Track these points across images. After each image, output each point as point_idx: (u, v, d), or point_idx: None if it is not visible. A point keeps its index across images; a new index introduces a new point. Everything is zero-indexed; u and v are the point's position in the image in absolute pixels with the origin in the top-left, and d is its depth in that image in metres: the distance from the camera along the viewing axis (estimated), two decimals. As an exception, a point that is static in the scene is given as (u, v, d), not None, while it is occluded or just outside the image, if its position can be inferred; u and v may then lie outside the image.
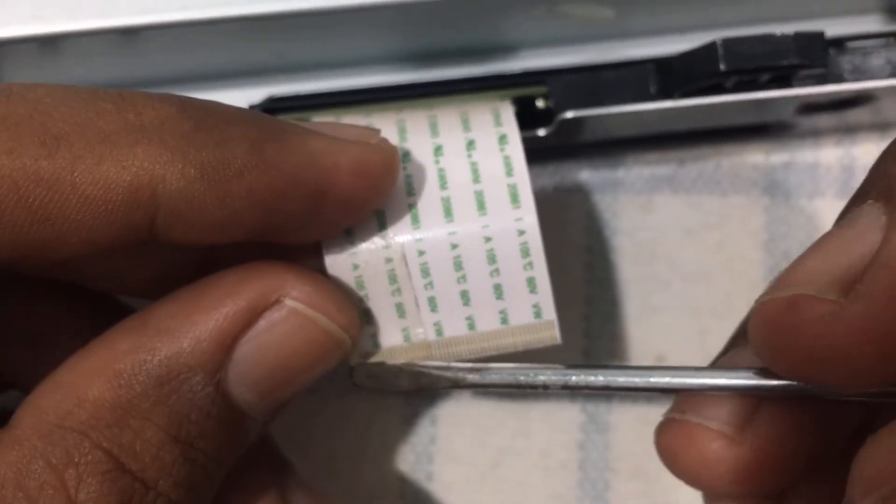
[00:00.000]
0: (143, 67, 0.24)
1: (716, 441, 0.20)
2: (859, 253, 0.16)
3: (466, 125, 0.21)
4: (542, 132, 0.25)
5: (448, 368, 0.20)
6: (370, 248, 0.20)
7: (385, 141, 0.20)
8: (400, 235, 0.20)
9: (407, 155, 0.20)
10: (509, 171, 0.20)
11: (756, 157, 0.29)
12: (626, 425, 0.28)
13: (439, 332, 0.21)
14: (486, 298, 0.20)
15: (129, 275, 0.21)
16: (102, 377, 0.18)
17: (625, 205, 0.29)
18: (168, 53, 0.24)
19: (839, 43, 0.25)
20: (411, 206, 0.20)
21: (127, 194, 0.17)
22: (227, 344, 0.18)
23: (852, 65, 0.25)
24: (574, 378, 0.20)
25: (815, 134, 0.29)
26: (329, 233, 0.20)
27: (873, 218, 0.17)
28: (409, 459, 0.28)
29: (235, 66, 0.25)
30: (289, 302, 0.19)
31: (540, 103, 0.25)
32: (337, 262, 0.20)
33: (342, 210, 0.19)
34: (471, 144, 0.20)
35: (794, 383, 0.18)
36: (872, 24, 0.25)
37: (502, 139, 0.20)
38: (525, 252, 0.20)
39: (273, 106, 0.24)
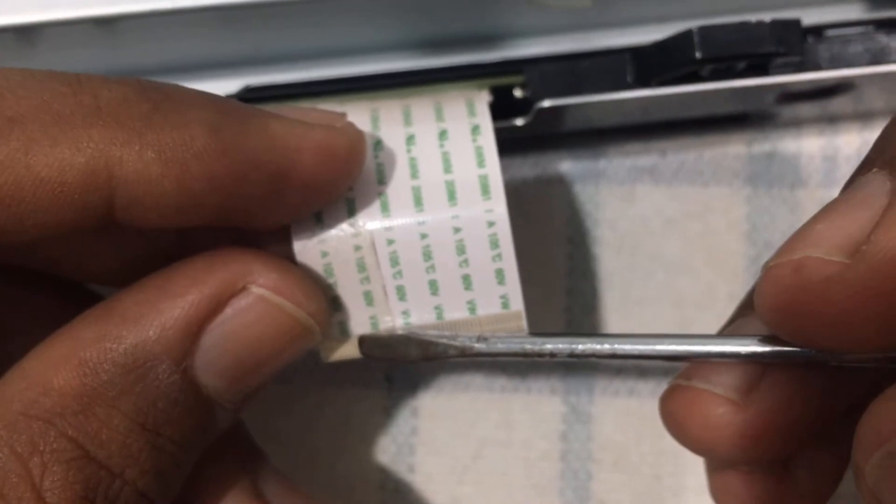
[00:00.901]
0: (120, 58, 0.24)
1: (721, 407, 0.20)
2: (865, 217, 0.17)
3: (440, 115, 0.21)
4: (520, 121, 0.25)
5: (455, 338, 0.20)
6: (339, 236, 0.20)
7: (351, 125, 0.19)
8: (369, 224, 0.20)
9: (379, 143, 0.20)
10: (481, 163, 0.20)
11: (738, 148, 0.29)
12: (608, 416, 0.28)
13: (407, 321, 0.21)
14: (454, 288, 0.20)
15: (94, 261, 0.20)
16: (68, 365, 0.18)
17: (607, 195, 0.29)
18: (145, 43, 0.24)
19: (817, 31, 0.25)
20: (381, 195, 0.20)
21: (83, 176, 0.17)
22: (193, 331, 0.18)
23: (830, 53, 0.25)
24: (581, 346, 0.20)
25: (798, 124, 0.29)
26: (295, 217, 0.20)
27: (879, 184, 0.17)
28: (390, 451, 0.28)
29: (212, 57, 0.25)
30: (255, 289, 0.19)
31: (518, 92, 0.25)
32: (306, 249, 0.20)
33: (307, 194, 0.19)
34: (443, 134, 0.20)
35: (800, 350, 0.18)
36: (852, 12, 0.25)
37: (475, 130, 0.20)
38: (494, 244, 0.20)
39: (249, 96, 0.24)
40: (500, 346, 0.20)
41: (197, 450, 0.19)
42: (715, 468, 0.22)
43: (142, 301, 0.18)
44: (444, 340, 0.20)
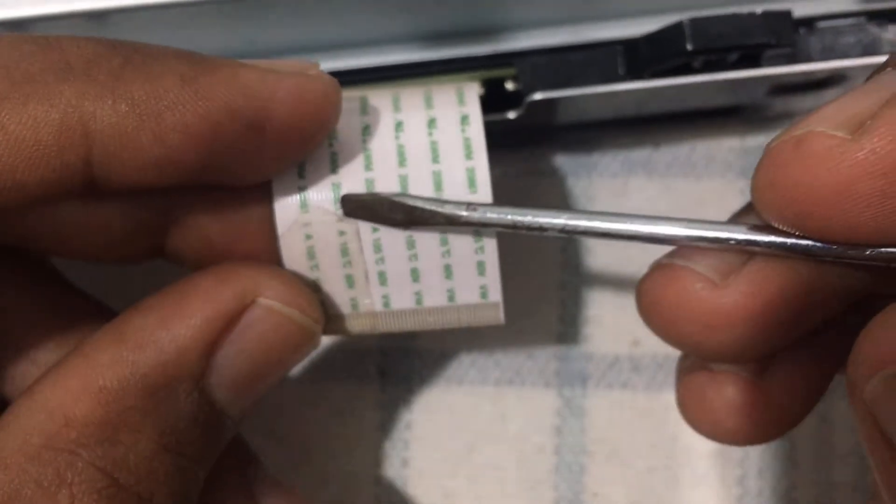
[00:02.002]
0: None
1: (699, 282, 0.19)
2: (873, 100, 0.16)
3: (429, 103, 0.21)
4: (512, 114, 0.25)
5: (443, 204, 0.19)
6: (323, 220, 0.20)
7: (324, 73, 0.19)
8: None
9: (367, 128, 0.20)
10: (469, 154, 0.20)
11: (731, 141, 0.29)
12: (602, 410, 0.28)
13: (387, 304, 0.21)
14: (435, 277, 0.20)
15: (77, 234, 0.20)
16: (87, 394, 0.17)
17: (600, 189, 0.29)
18: (138, 38, 0.24)
19: (809, 22, 0.25)
20: (368, 182, 0.20)
21: (57, 133, 0.17)
22: (210, 350, 0.18)
23: (822, 44, 0.25)
24: (573, 222, 0.19)
25: (791, 117, 0.29)
26: (274, 169, 0.20)
27: (891, 78, 0.17)
28: (384, 445, 0.28)
29: (205, 51, 0.24)
30: (263, 301, 0.19)
31: (509, 85, 0.25)
32: (290, 232, 0.20)
33: (283, 143, 0.19)
34: (432, 123, 0.20)
35: (791, 240, 0.18)
36: (844, 3, 0.25)
37: (464, 120, 0.20)
38: (477, 236, 0.20)
39: (241, 90, 0.24)
40: (490, 216, 0.19)
41: (211, 464, 0.19)
42: (685, 369, 0.21)
43: (154, 323, 0.18)
44: (431, 206, 0.19)
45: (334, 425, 0.28)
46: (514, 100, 0.25)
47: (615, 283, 0.29)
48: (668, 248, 0.20)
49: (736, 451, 0.28)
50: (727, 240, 0.19)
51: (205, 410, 0.19)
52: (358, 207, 0.20)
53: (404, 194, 0.20)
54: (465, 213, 0.19)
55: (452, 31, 0.25)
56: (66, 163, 0.17)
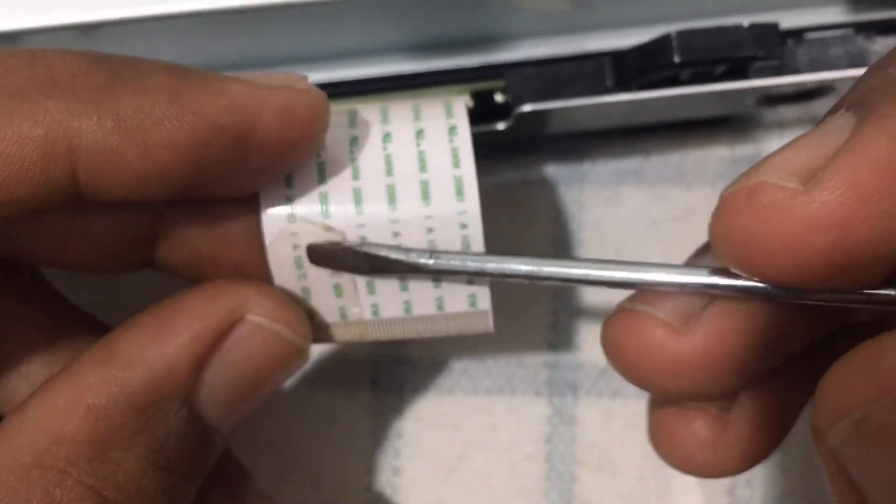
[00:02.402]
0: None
1: (659, 329, 0.19)
2: (825, 148, 0.16)
3: (417, 115, 0.21)
4: (501, 126, 0.25)
5: (407, 252, 0.20)
6: (311, 231, 0.20)
7: (312, 86, 0.19)
8: (342, 219, 0.20)
9: (355, 140, 0.20)
10: (456, 163, 0.20)
11: (721, 150, 0.29)
12: (592, 418, 0.28)
13: (375, 313, 0.21)
14: (424, 287, 0.20)
15: (66, 246, 0.20)
16: (76, 412, 0.17)
17: (591, 198, 0.29)
18: (130, 51, 0.24)
19: (797, 34, 0.25)
20: (355, 191, 0.20)
21: (42, 149, 0.17)
22: (199, 366, 0.19)
23: (810, 56, 0.25)
24: (537, 268, 0.20)
25: (781, 126, 0.29)
26: (262, 183, 0.20)
27: (843, 121, 0.17)
28: (375, 454, 0.28)
29: (197, 63, 0.24)
30: (252, 318, 0.19)
31: (499, 97, 0.25)
32: (277, 242, 0.20)
33: (271, 157, 0.19)
34: (420, 133, 0.20)
35: (750, 284, 0.18)
36: (831, 15, 0.25)
37: (452, 130, 0.20)
38: (466, 245, 0.20)
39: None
40: (454, 264, 0.20)
41: (200, 480, 0.19)
42: (655, 404, 0.22)
43: (144, 341, 0.18)
44: (395, 255, 0.20)
45: (325, 433, 0.28)
46: (503, 111, 0.25)
47: (607, 293, 0.29)
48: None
49: (726, 460, 0.28)
50: (687, 284, 0.19)
51: (194, 427, 0.19)
52: (323, 257, 0.20)
53: (367, 244, 0.20)
54: (429, 262, 0.20)
55: (442, 42, 0.25)
56: (51, 178, 0.17)
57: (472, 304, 0.21)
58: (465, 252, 0.20)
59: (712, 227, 0.18)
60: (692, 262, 0.21)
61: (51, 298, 0.22)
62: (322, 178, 0.20)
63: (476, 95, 0.25)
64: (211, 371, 0.19)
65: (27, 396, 0.18)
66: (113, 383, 0.18)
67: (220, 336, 0.19)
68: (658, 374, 0.19)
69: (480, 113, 0.24)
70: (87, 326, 0.22)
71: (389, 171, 0.20)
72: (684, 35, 0.23)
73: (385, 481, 0.28)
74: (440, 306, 0.21)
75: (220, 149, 0.18)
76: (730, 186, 0.17)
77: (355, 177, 0.20)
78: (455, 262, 0.20)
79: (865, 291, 0.17)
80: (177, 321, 0.19)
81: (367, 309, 0.21)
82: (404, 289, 0.20)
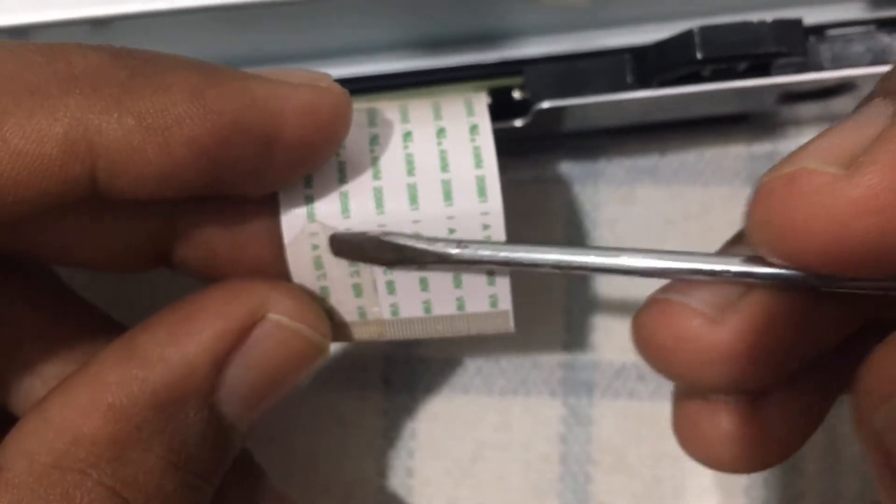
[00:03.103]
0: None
1: (695, 318, 0.19)
2: (865, 134, 0.16)
3: (438, 113, 0.20)
4: (519, 123, 0.24)
5: (433, 242, 0.19)
6: (330, 230, 0.20)
7: (336, 84, 0.19)
8: (362, 219, 0.20)
9: (375, 139, 0.20)
10: (478, 163, 0.20)
11: (738, 148, 0.29)
12: (608, 418, 0.28)
13: (395, 313, 0.20)
14: (444, 286, 0.20)
15: (83, 244, 0.20)
16: (96, 412, 0.17)
17: (606, 196, 0.29)
18: (142, 45, 0.24)
19: (819, 30, 0.24)
20: (376, 190, 0.20)
21: (62, 147, 0.16)
22: (219, 366, 0.18)
23: (832, 52, 0.24)
24: (566, 258, 0.19)
25: (798, 124, 0.28)
26: (283, 182, 0.19)
27: (880, 109, 0.16)
28: (388, 454, 0.28)
29: (209, 58, 0.24)
30: (273, 317, 0.19)
31: (517, 94, 0.24)
32: (296, 241, 0.20)
33: (293, 157, 0.18)
34: (441, 132, 0.20)
35: (787, 272, 0.18)
36: (854, 11, 0.25)
37: (473, 129, 0.20)
38: None
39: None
40: (482, 254, 0.19)
41: (219, 479, 0.19)
42: (681, 395, 0.21)
43: (164, 340, 0.18)
44: (420, 245, 0.19)
45: (338, 434, 0.28)
46: (520, 108, 0.24)
47: (621, 290, 0.28)
48: (664, 281, 0.20)
49: (742, 461, 0.28)
50: (723, 272, 0.19)
51: (214, 426, 0.18)
52: (345, 247, 0.20)
53: (392, 233, 0.19)
54: (455, 251, 0.19)
55: (459, 38, 0.24)
56: (70, 176, 0.17)
57: (493, 304, 0.20)
58: (495, 243, 0.19)
59: (749, 215, 0.17)
60: (726, 252, 0.20)
61: (65, 297, 0.22)
62: (342, 177, 0.20)
63: (494, 92, 0.24)
64: (232, 370, 0.18)
65: (44, 395, 0.18)
66: (133, 382, 0.17)
67: (242, 335, 0.18)
68: (692, 364, 0.19)
69: (498, 110, 0.24)
70: (101, 325, 0.22)
71: (411, 171, 0.20)
72: (707, 31, 0.22)
73: (398, 482, 0.28)
74: (460, 306, 0.20)
75: (242, 148, 0.17)
76: (768, 173, 0.17)
77: (376, 176, 0.20)
78: (483, 252, 0.19)
79: None
80: (198, 320, 0.18)
81: (386, 308, 0.20)
82: (424, 289, 0.20)
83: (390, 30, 0.24)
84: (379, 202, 0.20)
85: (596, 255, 0.19)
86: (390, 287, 0.20)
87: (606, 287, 0.28)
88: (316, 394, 0.28)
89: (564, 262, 0.19)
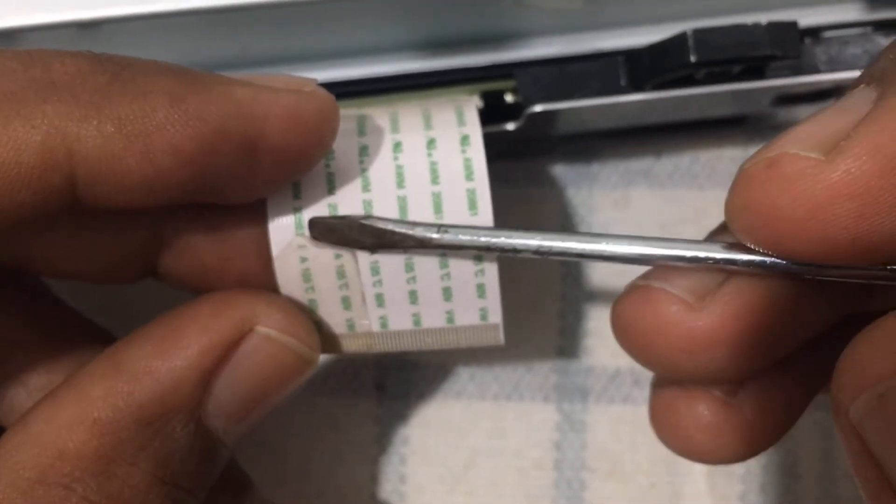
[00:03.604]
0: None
1: (675, 305, 0.18)
2: (847, 120, 0.16)
3: (428, 123, 0.20)
4: (511, 126, 0.24)
5: (414, 227, 0.19)
6: (320, 244, 0.20)
7: (320, 89, 0.18)
8: None
9: (365, 149, 0.20)
10: (469, 175, 0.20)
11: (734, 151, 0.28)
12: (602, 424, 0.28)
13: (384, 325, 0.20)
14: (434, 299, 0.20)
15: (66, 255, 0.20)
16: (81, 427, 0.17)
17: (600, 200, 0.28)
18: (130, 48, 0.23)
19: (815, 33, 0.24)
20: (366, 203, 0.19)
21: (40, 156, 0.16)
22: (207, 380, 0.18)
23: (828, 55, 0.24)
24: (547, 243, 0.19)
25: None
26: (269, 189, 0.19)
27: (864, 95, 0.16)
28: (381, 461, 0.28)
29: (198, 60, 0.24)
30: (261, 330, 0.19)
31: (509, 97, 0.24)
32: (285, 254, 0.20)
33: (278, 163, 0.18)
34: (431, 143, 0.20)
35: (767, 259, 0.18)
36: (850, 13, 0.25)
37: (464, 140, 0.20)
38: (478, 259, 0.20)
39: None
40: (462, 238, 0.19)
41: (205, 492, 0.19)
42: (659, 385, 0.21)
43: (150, 354, 0.18)
44: (402, 230, 0.19)
45: (330, 440, 0.28)
46: (513, 111, 0.24)
47: (616, 294, 0.28)
48: (645, 268, 0.20)
49: (738, 467, 0.28)
50: (704, 259, 0.18)
51: (201, 440, 0.18)
52: (326, 231, 0.19)
53: (372, 217, 0.19)
54: (436, 236, 0.19)
55: (451, 41, 0.24)
56: (49, 185, 0.16)
57: (483, 317, 0.20)
58: (474, 226, 0.19)
59: (729, 202, 0.17)
60: (708, 239, 0.20)
61: (51, 305, 0.22)
62: (331, 188, 0.19)
63: (486, 95, 0.24)
64: (219, 384, 0.18)
65: (29, 409, 0.18)
66: (119, 397, 0.17)
67: (230, 349, 0.18)
68: (671, 351, 0.19)
69: (490, 113, 0.24)
70: (88, 334, 0.21)
71: (400, 183, 0.19)
72: (701, 33, 0.22)
73: (391, 488, 0.28)
74: (450, 319, 0.20)
75: (225, 155, 0.17)
76: (749, 160, 0.17)
77: (365, 188, 0.19)
78: (464, 237, 0.19)
79: (889, 267, 0.17)
80: (185, 333, 0.18)
81: (375, 321, 0.20)
82: (414, 301, 0.20)
83: (382, 33, 0.24)
84: (369, 215, 0.19)
85: (577, 241, 0.19)
86: (379, 300, 0.20)
87: (602, 290, 0.28)
88: (309, 400, 0.28)
89: (546, 247, 0.19)
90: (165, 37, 0.23)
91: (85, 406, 0.17)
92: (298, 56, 0.24)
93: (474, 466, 0.28)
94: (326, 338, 0.21)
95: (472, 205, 0.19)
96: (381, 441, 0.28)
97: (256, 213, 0.19)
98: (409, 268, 0.20)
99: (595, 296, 0.28)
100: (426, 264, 0.20)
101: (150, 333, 0.18)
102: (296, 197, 0.19)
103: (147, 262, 0.20)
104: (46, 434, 0.17)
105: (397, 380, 0.28)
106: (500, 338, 0.21)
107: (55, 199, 0.16)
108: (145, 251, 0.20)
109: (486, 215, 0.19)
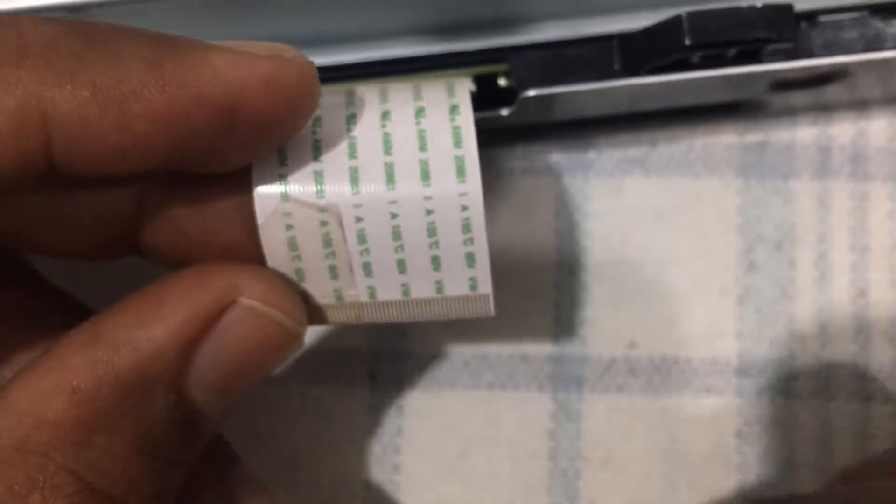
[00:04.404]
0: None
1: None
2: None
3: (418, 94, 0.20)
4: (504, 111, 0.24)
5: None
6: (305, 211, 0.19)
7: (301, 56, 0.18)
8: (338, 199, 0.19)
9: (352, 117, 0.20)
10: (458, 143, 0.19)
11: (730, 138, 0.28)
12: (598, 413, 0.27)
13: (372, 295, 0.20)
14: (422, 269, 0.20)
15: (45, 228, 0.19)
16: (60, 396, 0.17)
17: (595, 188, 0.28)
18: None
19: (811, 16, 0.24)
20: (352, 170, 0.19)
21: (14, 121, 0.16)
22: (188, 350, 0.18)
23: (824, 39, 0.24)
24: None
25: (791, 113, 0.28)
26: (248, 157, 0.19)
27: None
28: (374, 450, 0.27)
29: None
30: (244, 301, 0.18)
31: (502, 81, 0.24)
32: (269, 223, 0.19)
33: (257, 130, 0.18)
34: (420, 112, 0.20)
35: None
36: (847, -3, 0.24)
37: (453, 109, 0.20)
38: (466, 228, 0.19)
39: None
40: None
41: (187, 465, 0.19)
42: None
43: (131, 323, 0.18)
44: None
45: (323, 429, 0.27)
46: (507, 96, 0.24)
47: (611, 283, 0.28)
48: None
49: (733, 457, 0.27)
50: None
51: (182, 412, 0.18)
52: None
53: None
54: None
55: (443, 25, 0.24)
56: (25, 151, 0.16)
57: (473, 287, 0.20)
58: None
59: None
60: None
61: (34, 283, 0.21)
62: (317, 155, 0.19)
63: (479, 80, 0.24)
64: (201, 355, 0.18)
65: (9, 379, 0.17)
66: (98, 366, 0.17)
67: (212, 320, 0.18)
68: None
69: (483, 98, 0.24)
70: (74, 312, 0.21)
71: (388, 150, 0.19)
72: (695, 16, 0.22)
73: (385, 478, 0.27)
74: (439, 289, 0.20)
75: (203, 121, 0.17)
76: None
77: (352, 155, 0.19)
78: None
79: None
80: (166, 304, 0.18)
81: (363, 291, 0.20)
82: (402, 271, 0.20)
83: (374, 18, 0.23)
84: (355, 181, 0.19)
85: None
86: (367, 269, 0.20)
87: (597, 279, 0.28)
88: (301, 389, 0.28)
89: None
90: (156, 22, 0.23)
91: (64, 375, 0.17)
92: (290, 40, 0.23)
93: (468, 456, 0.27)
94: (313, 309, 0.20)
95: (461, 171, 0.19)
96: (374, 430, 0.27)
97: (240, 184, 0.19)
98: (397, 236, 0.19)
99: (590, 284, 0.28)
100: (414, 232, 0.19)
101: (131, 304, 0.18)
102: (281, 163, 0.19)
103: (129, 237, 0.20)
104: (24, 403, 0.17)
105: (391, 369, 0.28)
106: (491, 309, 0.20)
107: (31, 167, 0.16)
108: (126, 225, 0.20)
109: (474, 182, 0.19)
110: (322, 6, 0.23)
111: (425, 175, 0.19)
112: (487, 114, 0.24)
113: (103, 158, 0.17)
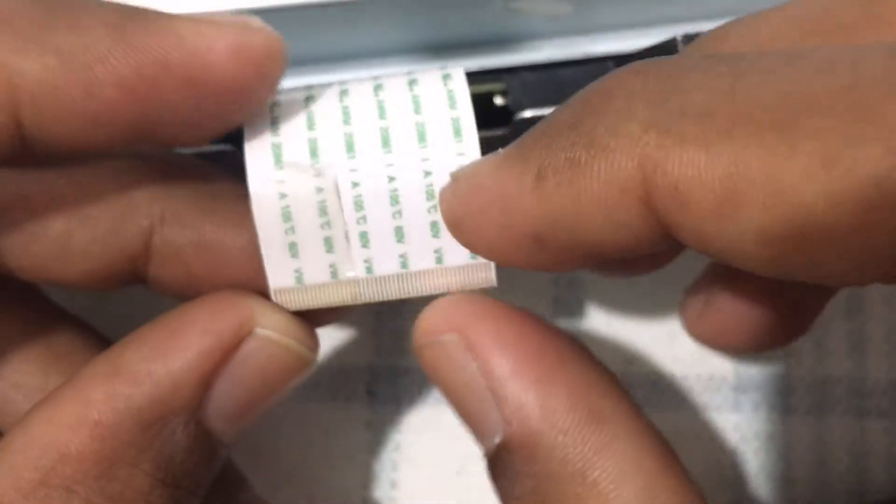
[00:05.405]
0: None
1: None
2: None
3: (410, 75, 0.20)
4: (500, 132, 0.24)
5: None
6: (300, 178, 0.19)
7: (267, 26, 0.18)
8: (333, 164, 0.19)
9: (346, 92, 0.20)
10: (453, 105, 0.19)
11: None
12: (595, 429, 0.27)
13: (369, 270, 0.20)
14: (421, 236, 0.19)
15: (57, 264, 0.20)
16: (82, 429, 0.17)
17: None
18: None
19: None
20: (347, 136, 0.19)
21: None
22: (207, 382, 0.18)
23: (819, 59, 0.24)
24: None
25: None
26: (218, 129, 0.19)
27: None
28: (372, 466, 0.28)
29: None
30: (261, 332, 0.19)
31: (498, 100, 0.24)
32: (263, 192, 0.19)
33: (225, 99, 0.18)
34: (413, 82, 0.20)
35: None
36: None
37: (446, 77, 0.20)
38: None
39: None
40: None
41: (205, 492, 0.19)
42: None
43: (149, 356, 0.18)
44: None
45: (321, 446, 0.28)
46: (502, 116, 0.24)
47: (608, 300, 0.28)
48: None
49: (730, 471, 0.27)
50: None
51: (201, 441, 0.18)
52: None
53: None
54: None
55: (440, 45, 0.24)
56: None
57: (474, 255, 0.20)
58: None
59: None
60: None
61: (43, 307, 0.22)
62: (311, 125, 0.19)
63: (475, 98, 0.24)
64: (219, 386, 0.18)
65: (28, 410, 0.18)
66: (119, 399, 0.17)
67: (229, 351, 0.18)
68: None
69: (479, 118, 0.24)
70: (81, 334, 0.22)
71: (382, 115, 0.19)
72: (691, 39, 0.22)
73: (382, 494, 0.27)
74: (439, 259, 0.20)
75: (170, 88, 0.17)
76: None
77: (346, 122, 0.19)
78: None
79: None
80: (184, 336, 0.18)
81: (360, 265, 0.20)
82: (400, 240, 0.19)
83: (369, 37, 0.24)
84: (350, 146, 0.19)
85: None
86: (364, 239, 0.19)
87: (594, 296, 0.28)
88: (300, 405, 0.28)
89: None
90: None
91: (85, 408, 0.17)
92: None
93: (466, 472, 0.28)
94: (308, 290, 0.20)
95: (457, 132, 0.19)
96: (372, 447, 0.28)
97: (245, 222, 0.19)
98: (395, 200, 0.19)
99: (587, 301, 0.28)
100: (412, 196, 0.19)
101: (149, 336, 0.18)
102: (274, 133, 0.19)
103: (135, 272, 0.20)
104: (48, 436, 0.17)
105: (389, 385, 0.28)
106: (493, 278, 0.20)
107: (2, 139, 0.16)
108: (133, 261, 0.20)
109: (471, 141, 0.19)
110: (318, 25, 0.23)
111: (422, 137, 0.19)
112: (483, 135, 0.24)
113: (72, 127, 0.17)
